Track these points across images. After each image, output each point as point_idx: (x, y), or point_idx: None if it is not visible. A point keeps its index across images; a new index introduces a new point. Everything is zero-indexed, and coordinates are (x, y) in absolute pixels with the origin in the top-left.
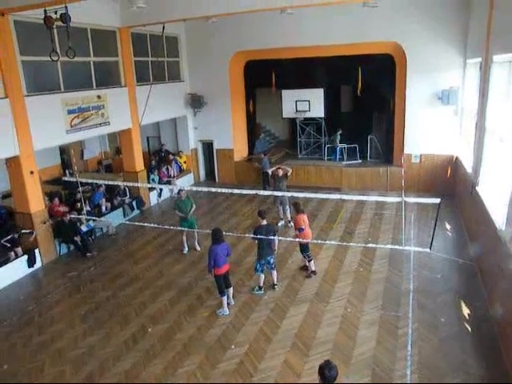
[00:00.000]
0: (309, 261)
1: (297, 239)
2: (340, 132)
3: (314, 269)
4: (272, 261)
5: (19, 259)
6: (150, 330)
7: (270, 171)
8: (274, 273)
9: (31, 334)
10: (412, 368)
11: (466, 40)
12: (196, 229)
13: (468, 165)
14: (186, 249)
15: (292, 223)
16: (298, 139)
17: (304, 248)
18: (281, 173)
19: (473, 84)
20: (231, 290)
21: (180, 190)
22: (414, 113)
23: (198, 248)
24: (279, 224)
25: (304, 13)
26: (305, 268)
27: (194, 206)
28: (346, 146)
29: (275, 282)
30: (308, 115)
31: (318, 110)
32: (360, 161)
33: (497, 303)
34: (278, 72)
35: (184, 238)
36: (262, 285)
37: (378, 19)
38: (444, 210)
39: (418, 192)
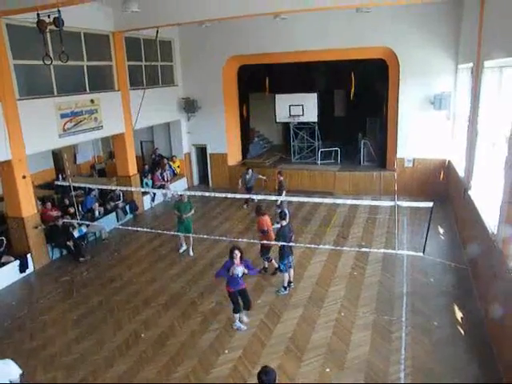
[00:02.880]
0: (269, 261)
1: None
2: (361, 134)
3: (267, 266)
4: (291, 259)
5: (11, 264)
6: (142, 335)
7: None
8: (291, 271)
9: (23, 340)
10: (406, 372)
11: (457, 45)
12: (191, 234)
13: (460, 169)
14: (184, 247)
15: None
16: (292, 143)
17: (265, 251)
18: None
19: (465, 89)
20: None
21: (181, 195)
22: (406, 117)
23: (191, 253)
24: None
25: (297, 18)
26: (276, 271)
27: (193, 211)
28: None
29: (291, 280)
30: (301, 120)
31: (311, 115)
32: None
33: (489, 306)
34: (272, 76)
35: (182, 236)
36: (286, 284)
37: (371, 25)
38: (437, 214)
39: (410, 196)
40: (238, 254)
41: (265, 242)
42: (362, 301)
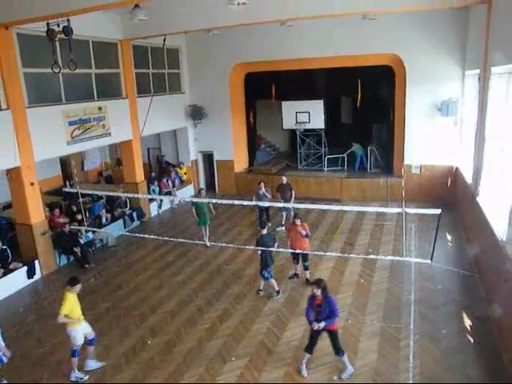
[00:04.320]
0: (306, 269)
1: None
2: (359, 142)
3: (299, 273)
4: (270, 269)
5: (19, 270)
6: (149, 342)
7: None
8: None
9: (30, 346)
10: (414, 380)
11: (464, 52)
12: (208, 226)
13: (468, 175)
14: (208, 243)
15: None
16: (298, 150)
17: (307, 257)
18: (285, 181)
19: (472, 95)
20: (346, 357)
21: (201, 189)
22: (413, 124)
23: (208, 244)
24: (278, 229)
25: (304, 25)
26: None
27: (212, 206)
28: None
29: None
30: (308, 126)
31: (318, 122)
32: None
33: (499, 314)
34: (278, 83)
35: (203, 231)
36: (277, 288)
37: (378, 31)
38: (444, 221)
39: (418, 202)
40: (317, 291)
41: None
42: (369, 308)
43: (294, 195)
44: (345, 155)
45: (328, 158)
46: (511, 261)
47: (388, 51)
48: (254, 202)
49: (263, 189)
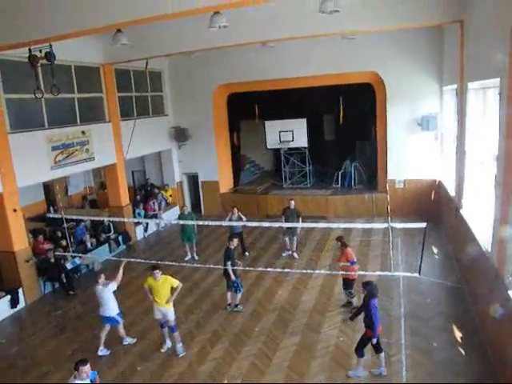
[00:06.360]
0: (352, 297)
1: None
2: (349, 158)
3: (356, 305)
4: (230, 284)
5: (2, 299)
6: (139, 368)
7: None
8: (236, 295)
9: (14, 379)
10: None
11: (441, 67)
12: (194, 242)
13: (451, 188)
14: (189, 256)
15: (296, 254)
16: (283, 169)
17: (350, 284)
18: (293, 205)
19: (451, 110)
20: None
21: (183, 206)
22: (395, 139)
23: (196, 257)
24: (284, 254)
25: (285, 45)
26: (349, 304)
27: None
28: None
29: (230, 303)
30: (292, 145)
31: (301, 140)
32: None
33: (488, 325)
34: (261, 103)
35: (187, 247)
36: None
37: (357, 50)
38: (430, 234)
39: (402, 217)
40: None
41: (352, 273)
42: (359, 325)
43: (300, 221)
44: (348, 171)
45: (314, 175)
46: (496, 272)
47: (367, 69)
48: (241, 223)
49: (236, 214)
